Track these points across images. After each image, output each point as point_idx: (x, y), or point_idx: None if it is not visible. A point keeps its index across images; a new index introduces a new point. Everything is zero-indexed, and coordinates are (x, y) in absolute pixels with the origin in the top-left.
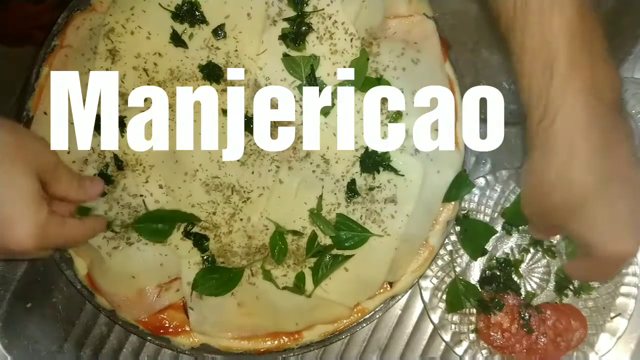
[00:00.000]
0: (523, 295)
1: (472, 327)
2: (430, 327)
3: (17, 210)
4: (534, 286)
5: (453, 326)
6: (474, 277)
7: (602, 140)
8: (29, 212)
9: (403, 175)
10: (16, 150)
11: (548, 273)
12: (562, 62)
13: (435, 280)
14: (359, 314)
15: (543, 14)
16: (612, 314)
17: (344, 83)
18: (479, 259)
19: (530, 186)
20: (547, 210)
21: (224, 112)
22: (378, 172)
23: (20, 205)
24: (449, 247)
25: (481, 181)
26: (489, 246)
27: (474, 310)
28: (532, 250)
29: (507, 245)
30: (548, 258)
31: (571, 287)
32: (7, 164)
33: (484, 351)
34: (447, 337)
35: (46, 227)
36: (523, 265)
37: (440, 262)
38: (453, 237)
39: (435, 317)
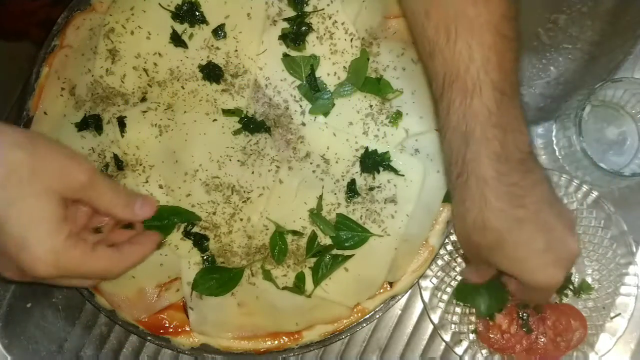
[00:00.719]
0: None
1: (472, 327)
2: (430, 327)
3: (29, 234)
4: None
5: (453, 326)
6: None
7: (509, 192)
8: (41, 236)
9: (403, 175)
10: (32, 171)
11: None
12: (476, 137)
13: (435, 280)
14: (359, 314)
15: (465, 97)
16: (612, 314)
17: (343, 83)
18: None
19: (456, 229)
20: (473, 249)
21: (224, 112)
22: (378, 172)
23: (34, 229)
24: (449, 247)
25: None
26: None
27: (474, 310)
28: None
29: None
30: None
31: (571, 287)
32: (23, 186)
33: (483, 351)
34: (447, 337)
35: (63, 253)
36: None
37: (440, 262)
38: (453, 237)
39: (435, 317)
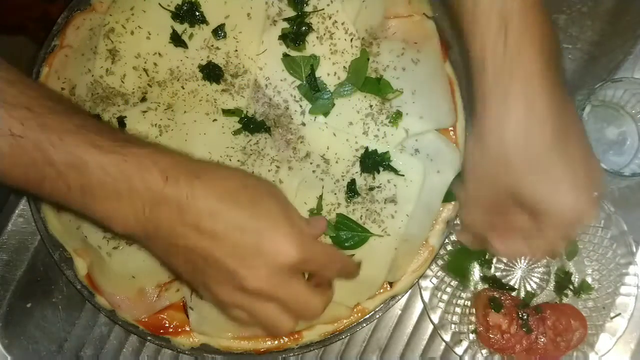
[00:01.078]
0: (523, 295)
1: (472, 327)
2: (430, 327)
3: (265, 222)
4: (534, 286)
5: (453, 326)
6: (474, 277)
7: (558, 99)
8: (279, 220)
9: (403, 175)
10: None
11: (548, 273)
12: (515, 21)
13: (435, 280)
14: (359, 314)
15: None
16: (612, 314)
17: (343, 83)
18: (477, 260)
19: (483, 150)
20: (499, 176)
21: (224, 112)
22: (378, 172)
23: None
24: (449, 247)
25: None
26: None
27: (474, 310)
28: None
29: None
30: (548, 258)
31: (571, 287)
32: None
33: (483, 351)
34: (447, 337)
35: (304, 231)
36: (523, 265)
37: (440, 262)
38: (453, 237)
39: (435, 317)
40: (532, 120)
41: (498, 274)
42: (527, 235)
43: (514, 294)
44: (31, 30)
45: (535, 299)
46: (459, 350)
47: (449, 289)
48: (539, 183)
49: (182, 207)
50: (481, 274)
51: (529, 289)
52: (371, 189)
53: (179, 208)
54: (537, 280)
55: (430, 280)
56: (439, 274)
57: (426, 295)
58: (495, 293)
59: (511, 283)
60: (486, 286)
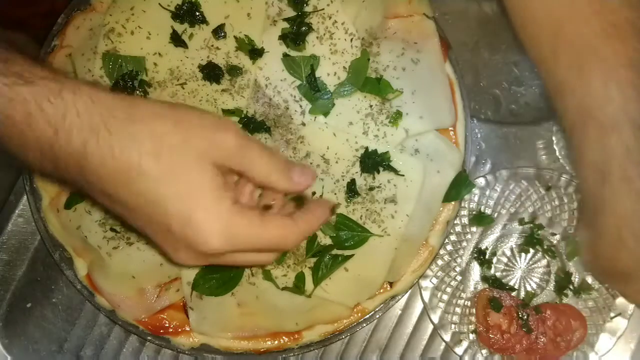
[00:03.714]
0: (523, 296)
1: (472, 327)
2: (430, 327)
3: (191, 206)
4: (534, 286)
5: (453, 326)
6: (474, 277)
7: None
8: (204, 207)
9: (403, 175)
10: (181, 141)
11: (548, 273)
12: (615, 177)
13: (435, 280)
14: (359, 314)
15: (601, 135)
16: (612, 314)
17: (343, 83)
18: (477, 260)
19: (595, 258)
20: (607, 267)
21: (224, 112)
22: (378, 172)
23: (195, 201)
24: (449, 247)
25: (481, 181)
26: (487, 244)
27: (474, 310)
28: (532, 250)
29: (506, 245)
30: (548, 258)
31: (571, 287)
32: (175, 158)
33: (483, 351)
34: (447, 337)
35: (231, 221)
36: (523, 265)
37: (440, 262)
38: (453, 237)
39: (435, 317)
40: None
41: (498, 274)
42: None
43: (514, 294)
44: (36, 26)
45: (535, 299)
46: (459, 350)
47: (449, 289)
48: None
49: (82, 167)
50: (481, 274)
51: (529, 289)
52: (371, 189)
53: (79, 166)
54: (537, 280)
55: (430, 280)
56: (439, 274)
57: (426, 295)
58: (495, 293)
59: (511, 283)
60: (486, 286)
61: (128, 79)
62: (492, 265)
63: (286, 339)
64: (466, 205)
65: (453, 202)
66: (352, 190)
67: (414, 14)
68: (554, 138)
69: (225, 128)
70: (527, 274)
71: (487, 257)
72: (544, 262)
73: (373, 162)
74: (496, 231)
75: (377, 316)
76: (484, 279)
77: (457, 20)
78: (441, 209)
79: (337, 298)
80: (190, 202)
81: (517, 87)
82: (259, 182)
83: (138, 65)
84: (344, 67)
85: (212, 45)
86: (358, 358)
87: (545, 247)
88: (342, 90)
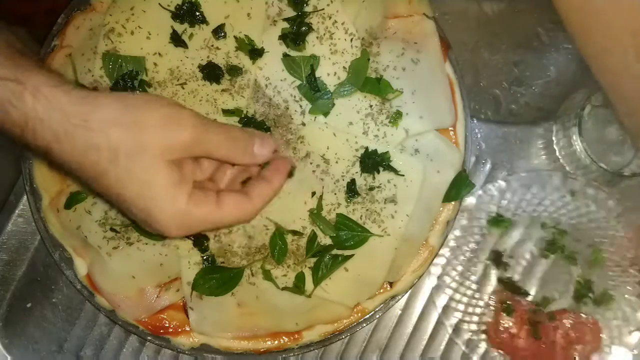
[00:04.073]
0: (539, 301)
1: (482, 327)
2: (430, 327)
3: (150, 205)
4: (552, 292)
5: (464, 326)
6: (491, 280)
7: None
8: (162, 205)
9: (403, 175)
10: (135, 146)
11: (567, 280)
12: None
13: (447, 280)
14: (359, 314)
15: None
16: (632, 328)
17: (344, 83)
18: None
19: None
20: None
21: (224, 112)
22: (378, 172)
23: (153, 200)
24: (465, 248)
25: (501, 183)
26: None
27: (485, 312)
28: (552, 255)
29: (526, 249)
30: (569, 265)
31: (590, 295)
32: (131, 162)
33: (492, 353)
34: (458, 339)
35: (189, 214)
36: (542, 270)
37: (442, 262)
38: (453, 237)
39: (446, 317)
40: None
41: (516, 276)
42: None
43: (528, 298)
44: (39, 24)
45: (550, 305)
46: (468, 350)
47: (462, 289)
48: None
49: (52, 162)
50: (498, 277)
51: (546, 294)
52: (371, 189)
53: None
54: (557, 286)
55: (442, 280)
56: (451, 273)
57: (438, 296)
58: (510, 296)
59: (528, 287)
60: (500, 288)
61: (128, 79)
62: (510, 268)
63: (286, 339)
64: (484, 208)
65: (453, 202)
66: (352, 190)
67: (414, 14)
68: (554, 138)
69: (179, 123)
70: (546, 279)
71: (502, 258)
72: (564, 268)
73: (373, 162)
74: (516, 235)
75: (377, 316)
76: (499, 280)
77: (457, 20)
78: (441, 209)
79: (337, 298)
80: (146, 203)
81: (517, 87)
82: (225, 161)
83: (138, 65)
84: (344, 67)
85: (212, 45)
86: (358, 358)
87: (566, 253)
88: (342, 90)
